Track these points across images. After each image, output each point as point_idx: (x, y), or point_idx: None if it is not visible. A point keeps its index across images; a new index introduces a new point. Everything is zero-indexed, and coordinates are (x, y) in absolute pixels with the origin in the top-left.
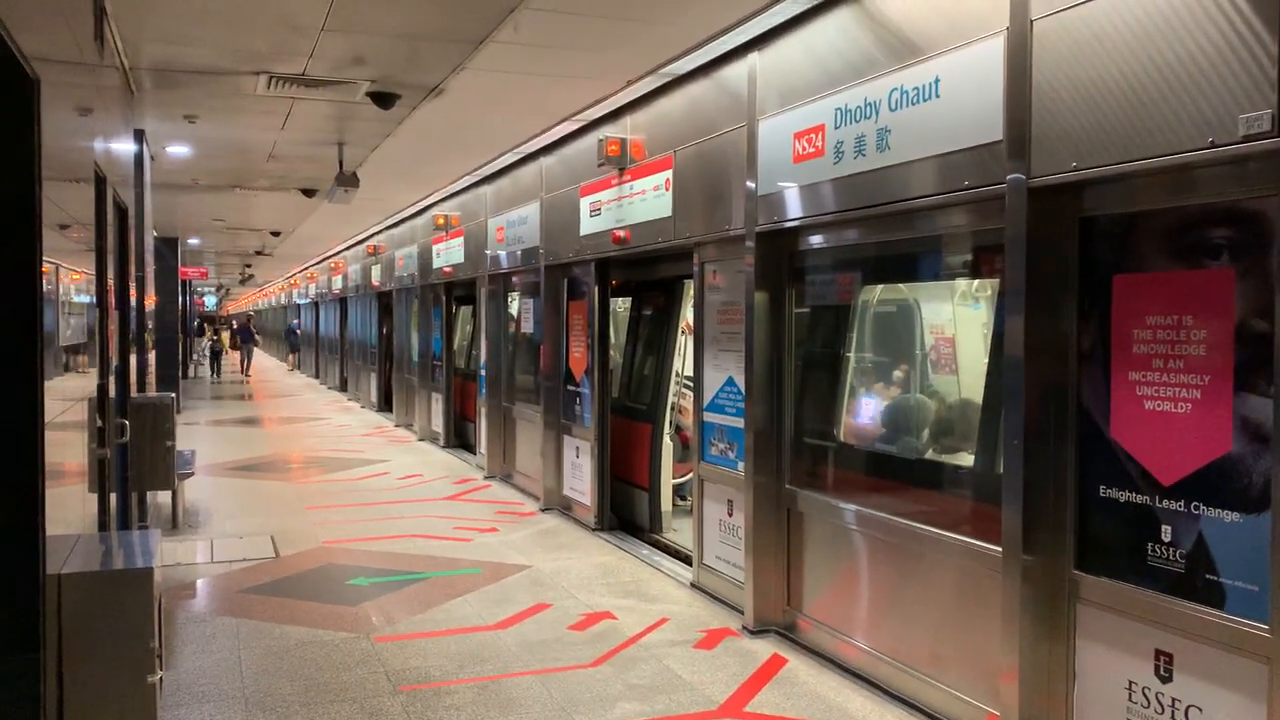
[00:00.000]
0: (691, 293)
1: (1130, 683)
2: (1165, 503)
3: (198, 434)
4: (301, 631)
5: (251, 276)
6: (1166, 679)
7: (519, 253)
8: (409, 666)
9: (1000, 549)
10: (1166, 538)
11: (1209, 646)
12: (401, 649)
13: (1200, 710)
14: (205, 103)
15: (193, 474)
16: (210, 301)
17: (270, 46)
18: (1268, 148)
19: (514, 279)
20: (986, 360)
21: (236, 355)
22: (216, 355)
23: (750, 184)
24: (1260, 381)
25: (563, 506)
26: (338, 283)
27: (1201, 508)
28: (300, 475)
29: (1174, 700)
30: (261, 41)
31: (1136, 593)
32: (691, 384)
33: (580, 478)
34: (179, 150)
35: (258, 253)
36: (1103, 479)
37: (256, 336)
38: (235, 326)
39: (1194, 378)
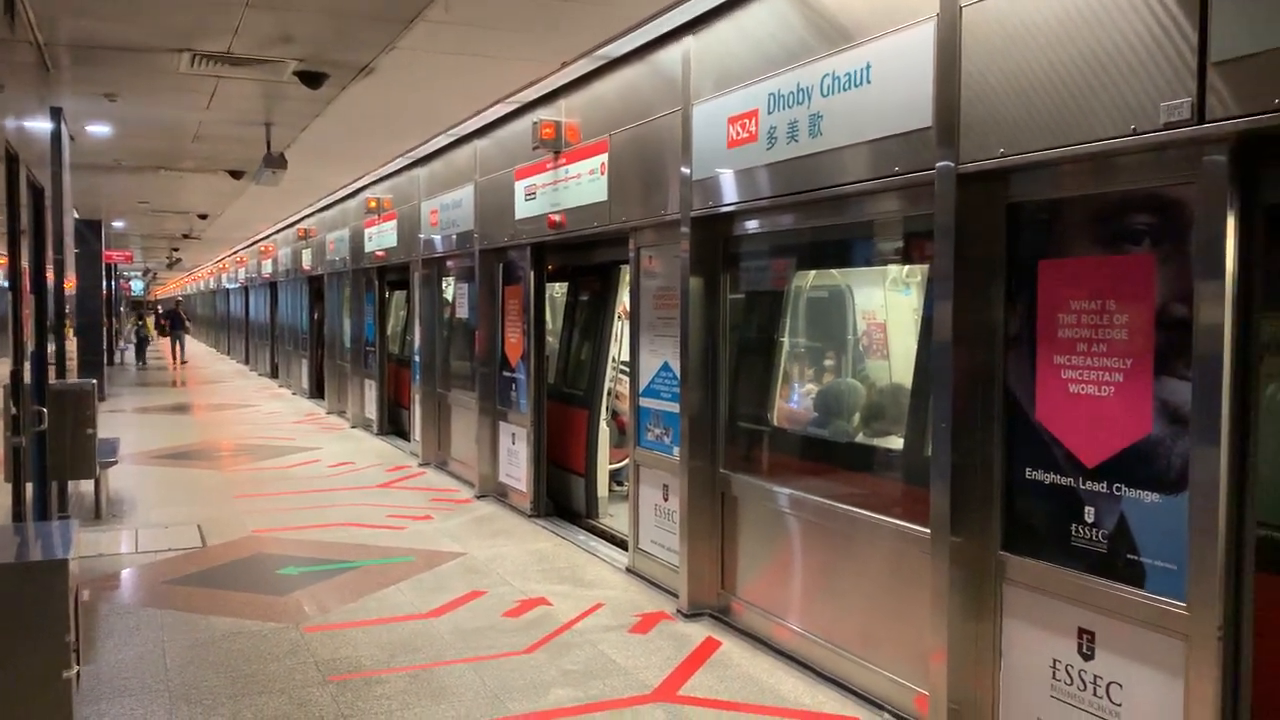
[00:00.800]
0: (628, 278)
1: (1054, 660)
2: (1088, 484)
3: (123, 421)
4: (229, 622)
5: (179, 260)
6: (1089, 656)
7: (453, 236)
8: (339, 656)
9: (929, 531)
10: (1090, 518)
11: (1129, 624)
12: (332, 639)
13: (1120, 686)
14: (126, 81)
15: (117, 462)
16: (137, 286)
17: (193, 22)
18: (1188, 135)
19: (448, 263)
20: (916, 345)
21: (166, 343)
22: (142, 343)
23: (685, 169)
24: (1179, 365)
25: (498, 493)
26: (267, 267)
27: (1123, 489)
28: (229, 463)
29: (1096, 677)
30: (184, 17)
31: (1060, 573)
32: (628, 369)
33: (516, 464)
34: (99, 130)
35: (185, 236)
36: (1029, 461)
37: (188, 323)
38: (160, 312)
39: (1116, 361)
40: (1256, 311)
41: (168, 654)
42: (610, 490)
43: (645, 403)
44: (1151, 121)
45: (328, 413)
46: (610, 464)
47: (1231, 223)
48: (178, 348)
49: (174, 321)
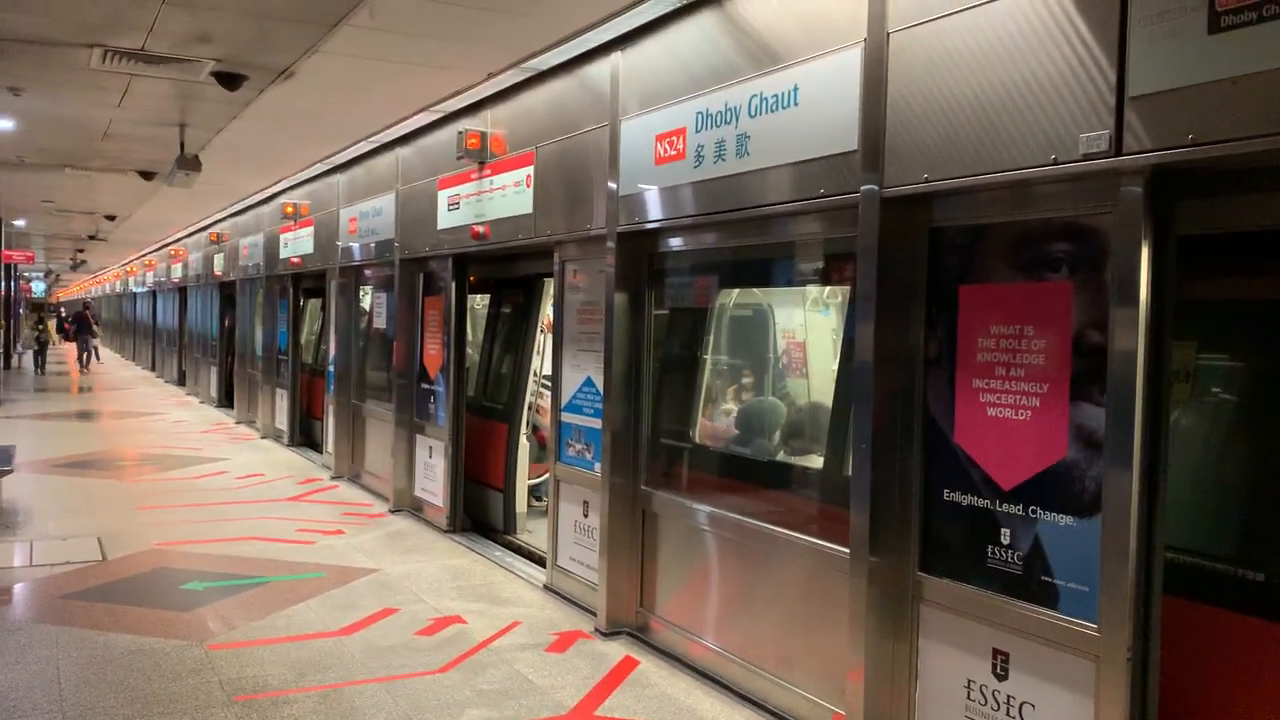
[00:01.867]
0: (552, 291)
1: (969, 681)
2: (1005, 506)
3: (20, 428)
4: (129, 640)
5: (84, 262)
6: (1003, 677)
7: (373, 245)
8: (245, 675)
9: (848, 550)
10: (1005, 540)
11: (1042, 645)
12: (238, 657)
13: (1033, 706)
14: (31, 74)
15: (12, 471)
16: (38, 288)
17: (106, 18)
18: (1106, 167)
19: (367, 272)
20: (836, 365)
21: (71, 349)
22: (42, 347)
23: (612, 184)
24: (1094, 391)
25: (414, 508)
26: (177, 271)
27: (1038, 511)
28: (132, 473)
29: (1009, 697)
30: (97, 12)
31: (976, 594)
32: (550, 384)
33: (433, 478)
34: (1, 124)
35: (91, 237)
36: (947, 483)
37: (96, 327)
38: (63, 315)
39: (1033, 386)
40: (1168, 339)
41: (62, 673)
42: (529, 506)
43: (567, 418)
44: (1071, 152)
45: (237, 422)
46: (530, 479)
47: (1146, 252)
48: (85, 354)
49: (81, 325)
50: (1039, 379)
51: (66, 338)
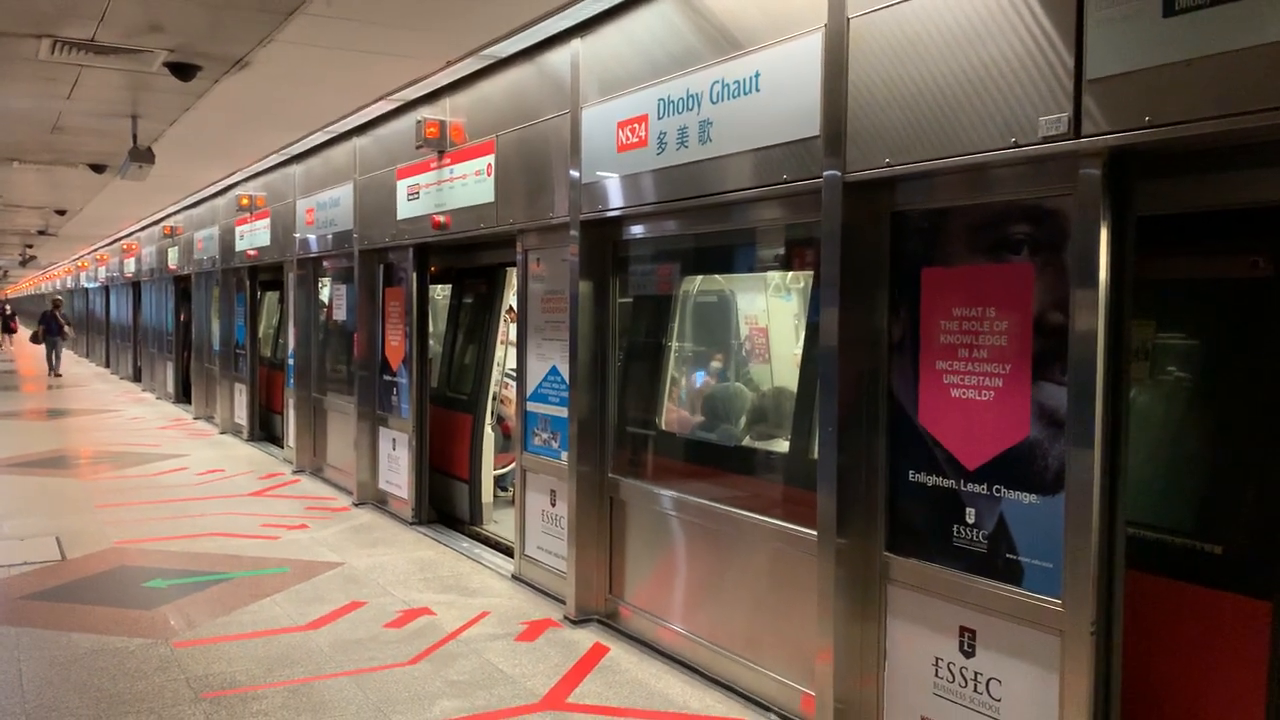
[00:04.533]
0: (514, 281)
1: (937, 659)
2: (969, 486)
3: None
4: (91, 639)
5: (34, 258)
6: (970, 654)
7: (330, 236)
8: (212, 672)
9: (816, 533)
10: (970, 519)
11: (1008, 622)
12: (204, 654)
13: (1000, 682)
14: None
15: None
16: None
17: (55, 7)
18: (1065, 149)
19: (325, 263)
20: (799, 350)
21: (23, 349)
22: None
23: (574, 172)
24: (1056, 370)
25: (378, 500)
26: (130, 265)
27: (1002, 490)
28: (89, 471)
29: (976, 674)
30: (45, 1)
31: (942, 572)
32: (514, 374)
33: (397, 470)
34: None
35: (41, 233)
36: (912, 464)
37: (67, 327)
38: (7, 312)
39: (996, 367)
40: (1128, 319)
41: (24, 675)
42: (495, 496)
43: (533, 407)
44: (1030, 135)
45: (195, 418)
46: (495, 469)
47: (1105, 233)
48: (54, 356)
49: (49, 326)
50: (1001, 360)
51: (34, 339)
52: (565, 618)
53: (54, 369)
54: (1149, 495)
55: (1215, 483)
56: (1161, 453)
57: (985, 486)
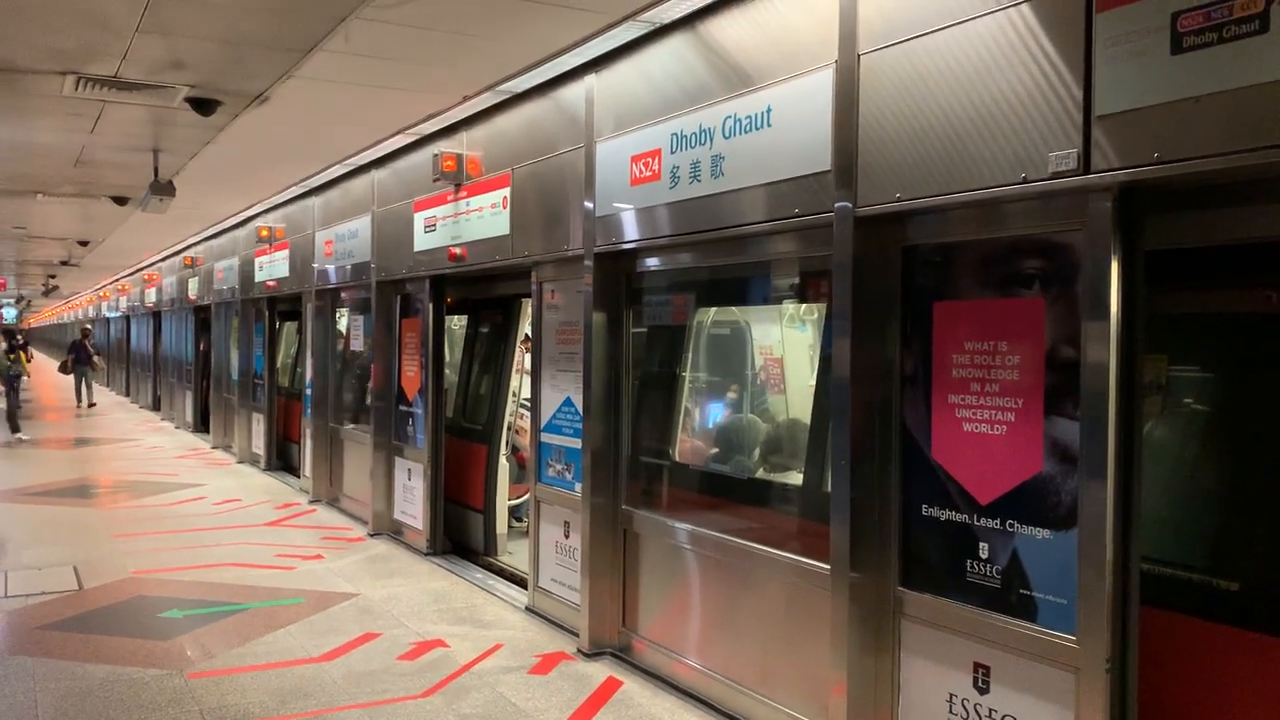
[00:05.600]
0: (529, 312)
1: (951, 695)
2: (983, 521)
3: None
4: (106, 670)
5: (57, 288)
6: (984, 690)
7: (349, 267)
8: (226, 704)
9: (829, 566)
10: (984, 554)
11: (1023, 658)
12: (218, 685)
13: (1015, 719)
14: (3, 102)
15: None
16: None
17: (78, 45)
18: (1075, 184)
19: (343, 294)
20: (813, 381)
21: (48, 380)
22: (13, 382)
23: (589, 204)
24: (1068, 405)
25: (393, 531)
26: (151, 295)
27: (1016, 525)
28: (108, 501)
29: (991, 710)
30: (68, 39)
31: (956, 608)
32: (529, 404)
33: (412, 501)
34: None
35: (64, 263)
36: (925, 498)
37: (96, 358)
38: (20, 342)
39: (1008, 401)
40: (1139, 353)
41: (39, 705)
42: (510, 527)
43: (547, 438)
44: (1040, 170)
45: (213, 447)
46: (510, 500)
47: (1115, 267)
48: (83, 387)
49: (78, 355)
50: (1013, 394)
51: (64, 369)
52: (579, 650)
53: (84, 400)
54: (1164, 530)
55: (1231, 518)
56: (1176, 487)
57: (998, 521)
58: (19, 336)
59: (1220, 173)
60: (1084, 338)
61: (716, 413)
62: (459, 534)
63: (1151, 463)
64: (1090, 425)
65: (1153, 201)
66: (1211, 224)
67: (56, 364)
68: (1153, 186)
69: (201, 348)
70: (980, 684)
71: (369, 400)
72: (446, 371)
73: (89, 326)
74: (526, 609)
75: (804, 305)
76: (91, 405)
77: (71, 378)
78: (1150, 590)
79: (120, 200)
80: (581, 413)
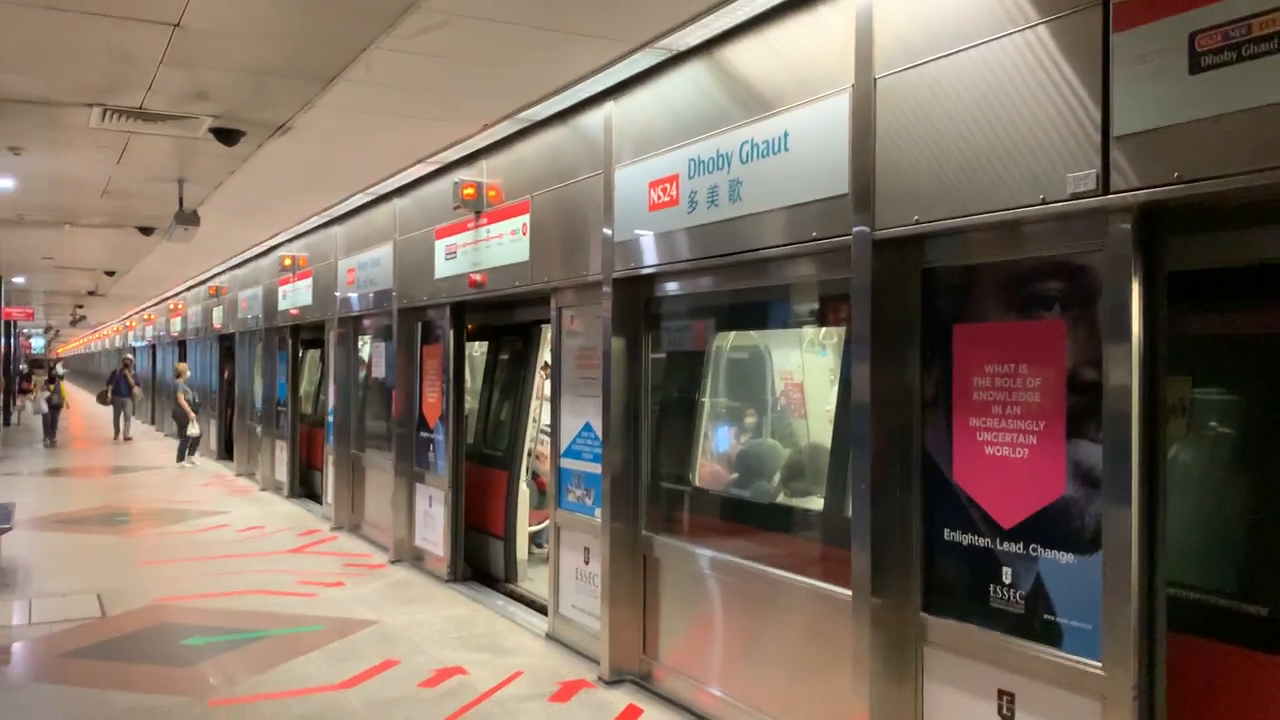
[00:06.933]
0: (549, 337)
1: None
2: (1006, 545)
3: (20, 485)
4: (129, 698)
5: (84, 318)
6: (1009, 718)
7: (371, 295)
8: None
9: (850, 592)
10: (1007, 579)
11: (1047, 685)
12: (239, 713)
13: None
14: (32, 134)
15: (11, 528)
16: (38, 344)
17: (104, 78)
18: (1094, 205)
19: (365, 322)
20: (833, 406)
21: (83, 411)
22: (54, 412)
23: (607, 231)
24: (1090, 428)
25: (414, 558)
26: (176, 324)
27: (1039, 550)
28: (133, 528)
29: None
30: (94, 73)
31: (979, 634)
32: (549, 430)
33: (433, 527)
34: (2, 183)
35: (91, 293)
36: (947, 522)
37: (136, 388)
38: (56, 372)
39: (1029, 424)
40: (1162, 375)
41: None
42: (530, 553)
43: (566, 464)
44: (1059, 192)
45: (237, 475)
46: (531, 526)
47: (1136, 288)
48: (121, 419)
49: (118, 386)
50: (1035, 417)
51: (102, 400)
52: (599, 678)
53: (121, 432)
54: (1190, 554)
55: (1258, 541)
56: (1202, 510)
57: (1022, 546)
58: (57, 367)
59: (1242, 192)
60: (1106, 360)
61: (737, 438)
62: (480, 560)
63: (1176, 486)
64: (1113, 448)
65: (1174, 222)
66: (1235, 244)
67: (83, 393)
68: (1174, 207)
69: (225, 376)
70: (1005, 711)
71: (390, 427)
72: (467, 398)
73: (130, 356)
74: (547, 636)
75: (823, 329)
76: (128, 439)
77: (110, 409)
78: (1177, 615)
79: (146, 230)
80: (601, 438)
